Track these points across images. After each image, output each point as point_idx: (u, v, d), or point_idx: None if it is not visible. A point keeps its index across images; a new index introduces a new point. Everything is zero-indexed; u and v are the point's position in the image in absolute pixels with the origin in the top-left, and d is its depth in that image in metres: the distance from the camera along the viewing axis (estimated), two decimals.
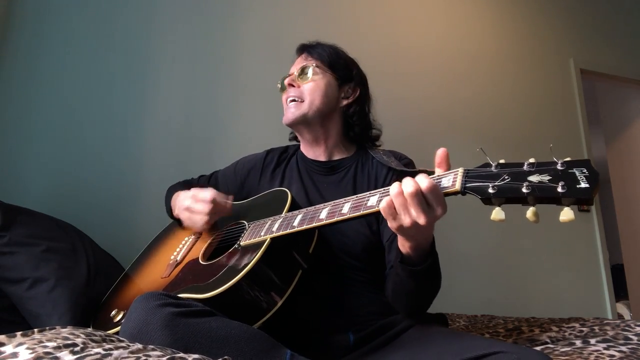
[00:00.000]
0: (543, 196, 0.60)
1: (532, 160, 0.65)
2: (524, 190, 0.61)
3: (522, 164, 0.65)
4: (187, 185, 1.32)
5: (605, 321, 1.20)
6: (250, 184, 1.25)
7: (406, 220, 0.72)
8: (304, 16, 2.26)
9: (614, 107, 3.72)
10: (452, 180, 0.70)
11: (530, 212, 0.62)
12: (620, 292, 3.42)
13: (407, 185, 0.71)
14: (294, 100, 1.16)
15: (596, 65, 3.12)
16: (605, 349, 0.95)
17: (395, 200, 0.72)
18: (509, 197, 0.63)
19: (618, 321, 1.17)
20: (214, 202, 1.07)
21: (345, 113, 1.21)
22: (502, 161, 0.67)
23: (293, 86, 1.17)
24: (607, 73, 3.16)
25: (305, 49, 1.24)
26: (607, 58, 3.19)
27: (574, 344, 1.01)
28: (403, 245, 0.80)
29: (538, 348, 1.04)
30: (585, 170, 0.60)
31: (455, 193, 0.69)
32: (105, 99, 1.82)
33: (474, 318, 1.59)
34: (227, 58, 2.06)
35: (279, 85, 1.24)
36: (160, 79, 1.92)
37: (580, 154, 2.88)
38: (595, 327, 1.15)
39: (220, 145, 1.93)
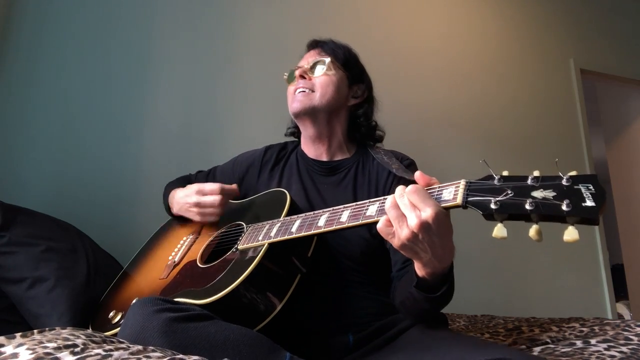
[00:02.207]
0: (547, 214, 0.58)
1: (536, 173, 0.62)
2: (528, 207, 0.59)
3: (526, 178, 0.62)
4: (185, 181, 1.31)
5: (605, 321, 1.20)
6: (248, 181, 1.24)
7: (404, 232, 0.68)
8: (304, 16, 2.26)
9: (614, 107, 3.72)
10: (453, 193, 0.68)
11: (533, 230, 0.59)
12: (620, 292, 3.41)
13: (397, 191, 0.70)
14: (303, 91, 1.14)
15: (596, 65, 3.12)
16: (605, 349, 0.95)
17: (390, 213, 0.69)
18: (511, 213, 0.61)
19: (618, 321, 1.17)
20: (222, 191, 1.08)
21: (352, 113, 1.20)
22: (505, 173, 0.65)
23: (304, 78, 1.15)
24: (607, 73, 3.16)
25: (318, 45, 1.22)
26: (607, 58, 3.19)
27: (574, 344, 1.01)
28: (419, 269, 0.77)
29: (538, 348, 1.04)
30: (591, 187, 0.57)
31: (456, 207, 0.67)
32: (105, 98, 1.82)
33: (474, 318, 1.59)
34: (226, 58, 2.06)
35: (286, 76, 1.22)
36: (159, 79, 1.92)
37: (580, 154, 2.88)
38: (596, 327, 1.15)
39: (219, 145, 1.93)
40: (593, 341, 1.01)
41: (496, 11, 2.87)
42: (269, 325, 0.86)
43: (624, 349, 0.94)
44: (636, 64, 3.29)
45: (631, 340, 1.00)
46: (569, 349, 0.98)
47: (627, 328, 1.09)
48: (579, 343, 1.02)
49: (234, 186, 1.13)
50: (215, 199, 1.08)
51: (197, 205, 1.10)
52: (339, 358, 0.92)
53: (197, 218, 1.12)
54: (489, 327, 1.39)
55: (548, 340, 1.10)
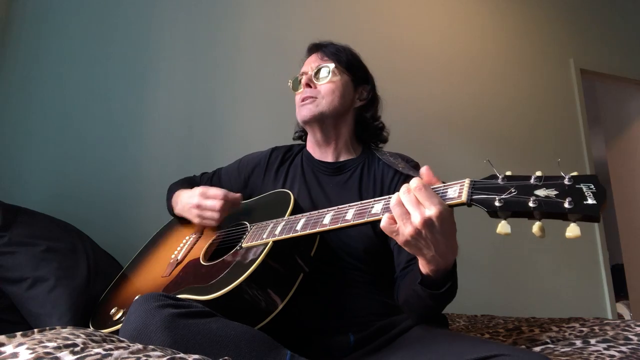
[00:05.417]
0: (549, 211, 0.60)
1: (539, 173, 0.64)
2: (531, 204, 0.61)
3: (529, 177, 0.64)
4: (189, 182, 1.31)
5: (605, 321, 1.20)
6: (254, 182, 1.24)
7: (407, 229, 0.69)
8: (304, 16, 2.26)
9: (614, 107, 3.72)
10: (458, 191, 0.69)
11: (536, 226, 0.61)
12: (620, 292, 3.41)
13: (402, 189, 0.71)
14: (310, 99, 1.14)
15: (596, 65, 3.12)
16: (605, 349, 0.95)
17: (395, 210, 0.70)
18: (515, 211, 0.63)
19: (618, 321, 1.17)
20: (225, 198, 1.07)
21: (358, 114, 1.21)
22: (508, 173, 0.66)
23: (310, 86, 1.15)
24: (607, 73, 3.16)
25: (319, 49, 1.22)
26: (607, 58, 3.19)
27: (574, 344, 1.02)
28: (423, 266, 0.78)
29: (538, 348, 1.04)
30: (592, 186, 0.60)
31: (461, 204, 0.68)
32: (105, 99, 1.82)
33: (474, 318, 1.59)
34: (227, 59, 2.06)
35: (290, 84, 1.22)
36: (160, 79, 1.92)
37: (580, 154, 2.88)
38: (595, 327, 1.15)
39: (220, 146, 1.93)
40: (593, 341, 1.01)
41: (496, 11, 2.87)
42: (271, 323, 0.86)
43: (623, 348, 0.94)
44: (636, 64, 3.29)
45: (631, 340, 1.00)
46: (569, 349, 0.98)
47: (627, 328, 1.09)
48: (578, 343, 1.02)
49: (238, 195, 1.11)
50: (215, 203, 1.07)
51: (198, 207, 1.09)
52: (340, 357, 0.93)
53: (196, 220, 1.12)
54: (489, 327, 1.39)
55: (548, 340, 1.10)
